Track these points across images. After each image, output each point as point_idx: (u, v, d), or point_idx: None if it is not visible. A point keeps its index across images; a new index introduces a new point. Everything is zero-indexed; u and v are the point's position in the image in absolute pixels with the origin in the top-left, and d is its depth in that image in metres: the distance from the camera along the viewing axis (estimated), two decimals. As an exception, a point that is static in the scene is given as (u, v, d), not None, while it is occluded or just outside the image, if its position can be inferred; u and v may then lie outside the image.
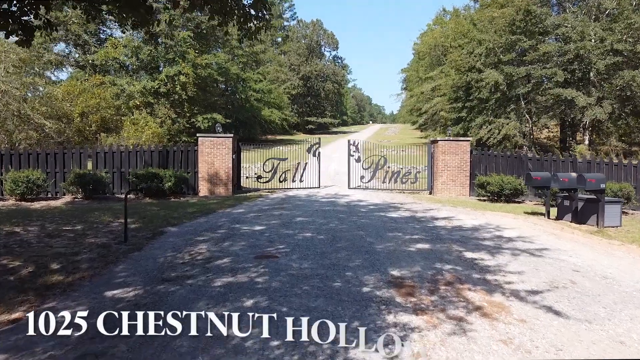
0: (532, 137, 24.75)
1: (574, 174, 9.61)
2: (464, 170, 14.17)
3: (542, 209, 11.73)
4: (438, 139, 14.44)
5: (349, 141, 16.05)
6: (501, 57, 23.37)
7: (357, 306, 4.67)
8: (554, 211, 10.77)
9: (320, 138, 18.20)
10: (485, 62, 23.95)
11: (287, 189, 15.81)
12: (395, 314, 4.50)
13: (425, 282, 5.53)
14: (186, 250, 7.05)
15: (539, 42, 21.69)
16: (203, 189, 13.90)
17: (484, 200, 13.46)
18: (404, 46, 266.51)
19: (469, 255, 6.85)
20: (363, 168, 15.64)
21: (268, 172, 15.65)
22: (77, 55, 28.54)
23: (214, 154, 13.92)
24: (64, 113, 21.36)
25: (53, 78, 30.13)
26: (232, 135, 14.15)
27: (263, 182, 15.53)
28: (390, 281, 5.53)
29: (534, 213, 11.23)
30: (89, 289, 5.42)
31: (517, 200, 13.47)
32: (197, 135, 14.29)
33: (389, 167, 15.70)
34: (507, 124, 22.99)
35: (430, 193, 14.68)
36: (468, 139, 14.54)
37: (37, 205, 11.99)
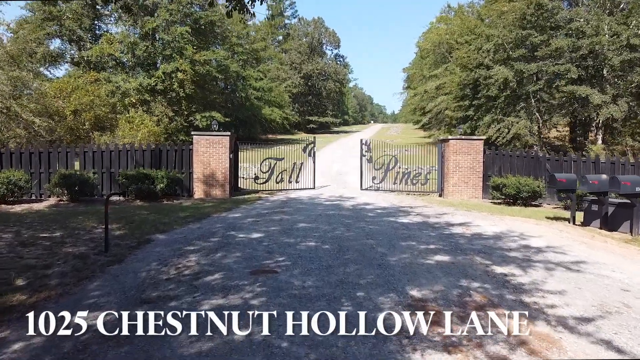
0: (541, 136, 23.83)
1: (604, 176, 8.72)
2: (476, 171, 13.27)
3: (565, 214, 10.85)
4: (449, 137, 13.54)
5: (361, 140, 15.51)
6: (510, 53, 22.47)
7: (373, 340, 3.81)
8: (579, 216, 9.88)
9: (315, 137, 17.62)
10: (494, 59, 23.04)
11: (288, 190, 14.95)
12: (422, 351, 3.63)
13: (452, 305, 4.65)
14: (173, 263, 6.18)
15: (550, 37, 20.77)
16: (198, 190, 13.03)
17: (499, 204, 12.57)
18: (406, 45, 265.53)
19: (496, 269, 5.96)
20: (375, 169, 14.94)
21: (265, 172, 14.82)
22: (72, 52, 27.66)
23: (210, 153, 13.05)
24: (56, 110, 20.52)
25: (49, 75, 29.34)
26: (229, 133, 13.28)
27: (260, 183, 14.68)
28: (410, 304, 4.66)
29: (556, 218, 10.33)
30: (52, 312, 4.55)
31: (534, 203, 12.57)
32: (192, 133, 13.41)
33: (400, 167, 14.83)
34: (517, 122, 22.08)
35: (440, 195, 13.79)
36: (481, 137, 13.64)
37: (18, 208, 11.12)
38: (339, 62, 73.51)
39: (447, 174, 13.46)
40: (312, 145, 15.39)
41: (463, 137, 13.46)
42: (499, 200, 12.73)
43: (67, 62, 28.59)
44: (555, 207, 12.33)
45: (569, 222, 9.64)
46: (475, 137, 13.57)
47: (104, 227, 8.92)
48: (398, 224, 9.13)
